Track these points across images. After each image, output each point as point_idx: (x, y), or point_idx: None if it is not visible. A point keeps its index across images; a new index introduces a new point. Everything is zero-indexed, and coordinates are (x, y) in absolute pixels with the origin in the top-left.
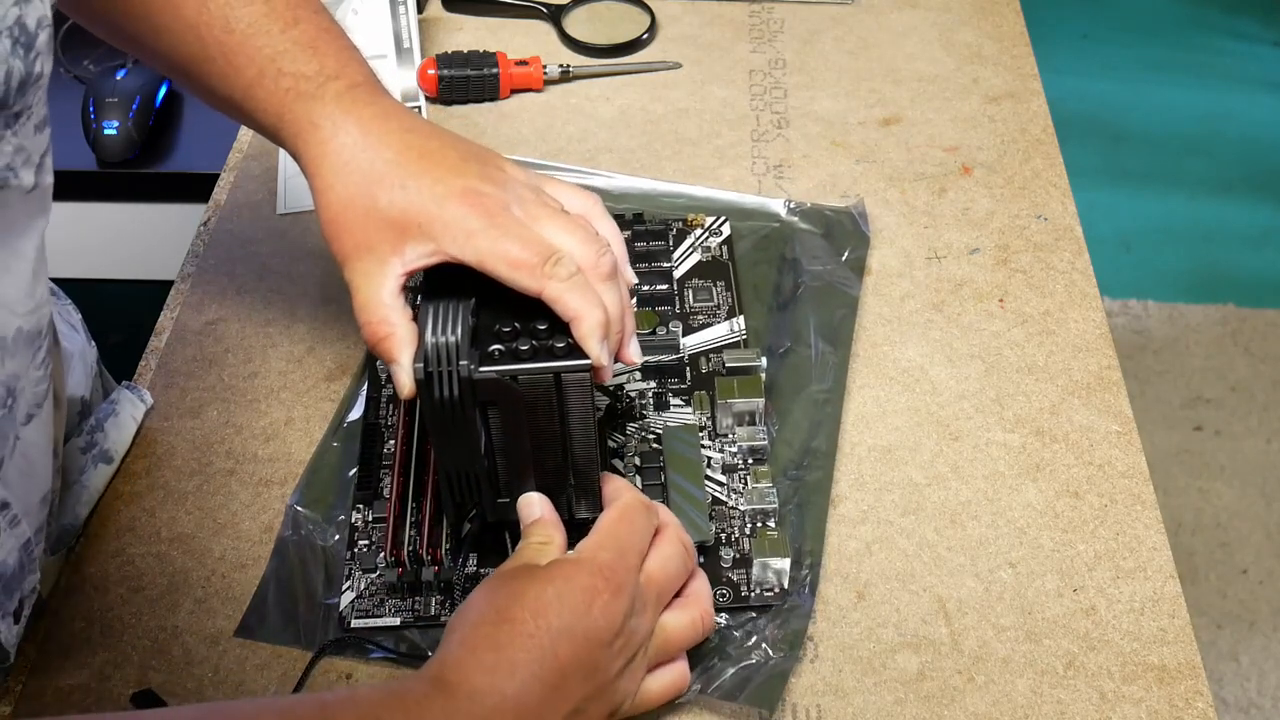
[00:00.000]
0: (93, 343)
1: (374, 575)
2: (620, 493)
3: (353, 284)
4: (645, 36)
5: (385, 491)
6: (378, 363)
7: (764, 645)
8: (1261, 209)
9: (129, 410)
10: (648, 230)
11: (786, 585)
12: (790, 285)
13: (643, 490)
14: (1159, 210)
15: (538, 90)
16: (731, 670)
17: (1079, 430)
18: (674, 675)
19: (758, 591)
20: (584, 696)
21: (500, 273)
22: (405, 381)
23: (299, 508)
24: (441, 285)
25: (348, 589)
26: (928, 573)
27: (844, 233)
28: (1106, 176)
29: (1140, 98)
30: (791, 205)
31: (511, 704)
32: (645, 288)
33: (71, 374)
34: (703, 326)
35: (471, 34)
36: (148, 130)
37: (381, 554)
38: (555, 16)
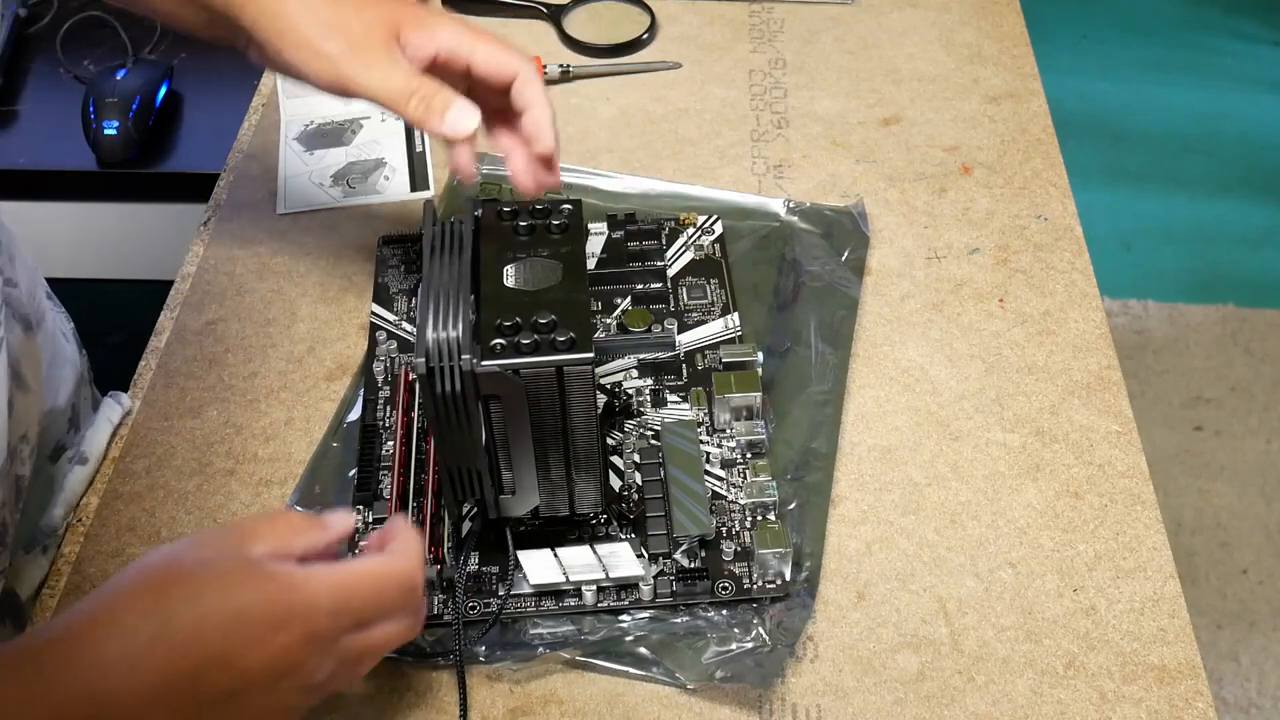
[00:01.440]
0: (83, 352)
1: None
2: (401, 546)
3: (367, 75)
4: (645, 36)
5: (385, 492)
6: (375, 364)
7: (762, 634)
8: (1261, 209)
9: (105, 413)
10: (640, 230)
11: (789, 576)
12: (790, 285)
13: (642, 485)
14: (1159, 210)
15: None
16: (730, 658)
17: (1079, 430)
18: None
19: (760, 584)
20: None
21: (493, 53)
22: (470, 119)
23: (298, 508)
24: (440, 282)
25: None
26: (928, 573)
27: (844, 233)
28: (1106, 176)
29: (1140, 98)
30: (791, 205)
31: (127, 698)
32: (639, 286)
33: (63, 384)
34: (698, 324)
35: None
36: (148, 130)
37: None
38: (555, 16)
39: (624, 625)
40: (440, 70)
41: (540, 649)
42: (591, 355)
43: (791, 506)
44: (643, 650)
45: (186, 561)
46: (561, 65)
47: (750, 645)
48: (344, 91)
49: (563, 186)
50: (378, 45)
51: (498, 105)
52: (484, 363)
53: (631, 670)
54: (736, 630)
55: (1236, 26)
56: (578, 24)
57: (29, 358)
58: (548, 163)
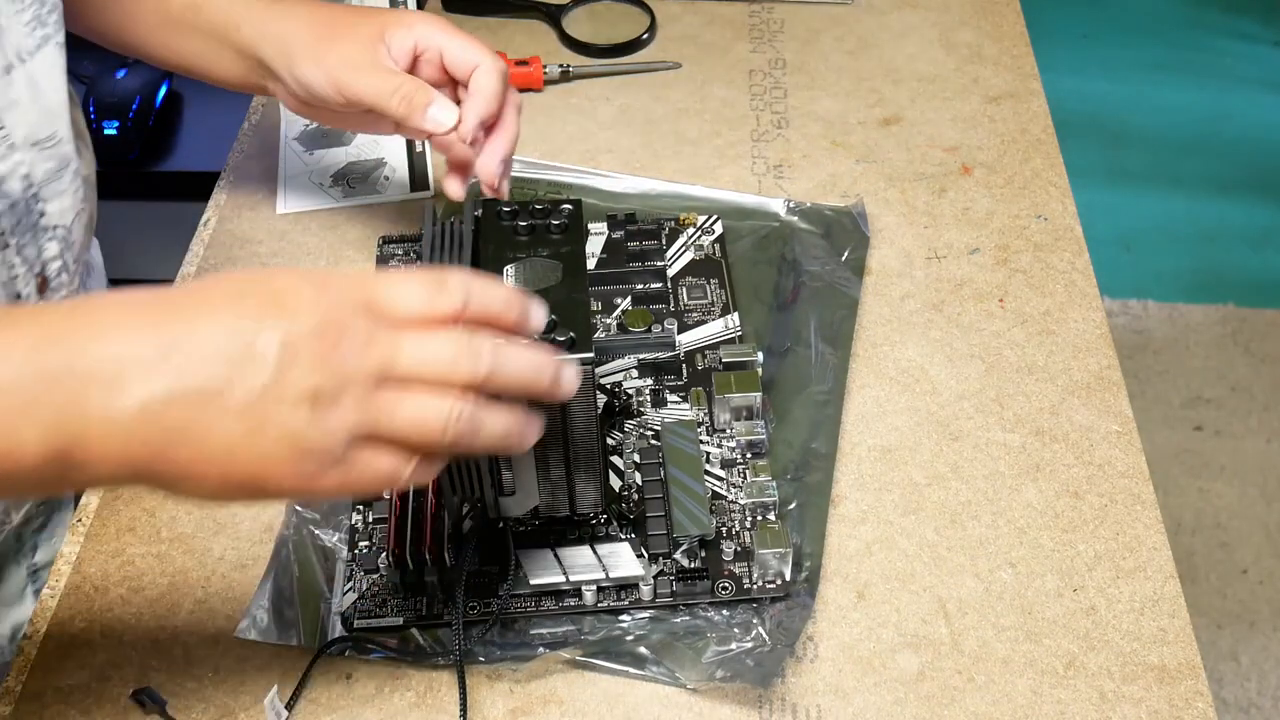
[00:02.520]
0: None
1: (376, 576)
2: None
3: (356, 80)
4: (645, 36)
5: (385, 493)
6: None
7: (762, 633)
8: (1261, 209)
9: None
10: (640, 230)
11: (789, 576)
12: (791, 285)
13: (642, 485)
14: (1159, 210)
15: (538, 90)
16: (730, 658)
17: (1079, 430)
18: (510, 418)
19: (760, 584)
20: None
21: (462, 46)
22: (447, 115)
23: (298, 507)
24: None
25: (350, 590)
26: (928, 573)
27: (844, 233)
28: (1106, 176)
29: (1140, 98)
30: (792, 205)
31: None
32: (639, 286)
33: None
34: (698, 324)
35: (471, 34)
36: (148, 130)
37: (383, 554)
38: (555, 16)
39: (624, 625)
40: (423, 67)
41: (540, 649)
42: (592, 355)
43: (791, 506)
44: (642, 650)
45: None
46: (561, 65)
47: (750, 645)
48: (341, 95)
49: (563, 186)
50: (365, 51)
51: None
52: None
53: (631, 670)
54: (736, 630)
55: (1236, 26)
56: (578, 24)
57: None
58: (464, 148)
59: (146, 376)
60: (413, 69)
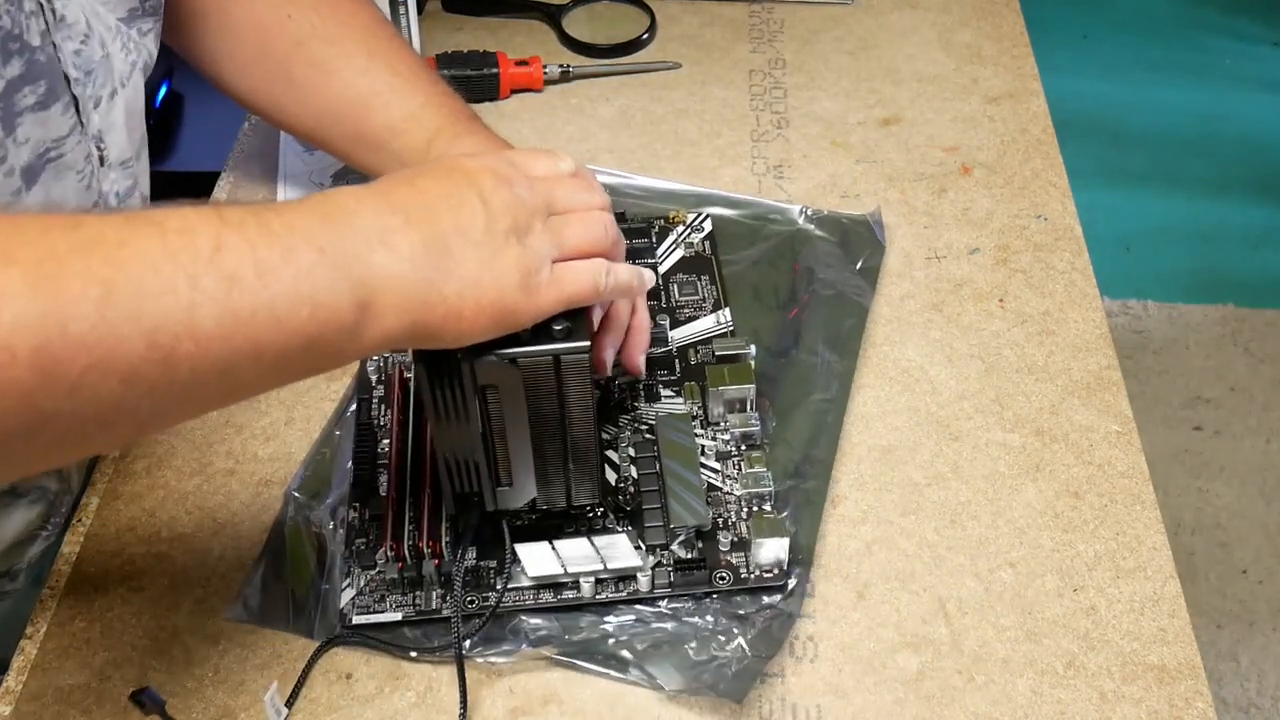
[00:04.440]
0: None
1: (374, 571)
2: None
3: None
4: (645, 36)
5: (381, 489)
6: (367, 365)
7: (743, 644)
8: (1261, 209)
9: None
10: (630, 228)
11: (785, 565)
12: (802, 289)
13: (638, 477)
14: (1159, 210)
15: (538, 90)
16: (708, 666)
17: (1079, 430)
18: (634, 270)
19: (757, 574)
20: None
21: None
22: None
23: (296, 493)
24: None
25: (348, 586)
26: (928, 573)
27: (859, 241)
28: (1106, 176)
29: (1140, 98)
30: (809, 213)
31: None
32: None
33: None
34: (689, 320)
35: (471, 34)
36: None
37: (381, 550)
38: (555, 16)
39: (608, 627)
40: None
41: (522, 644)
42: (588, 344)
43: (785, 514)
44: (624, 653)
45: None
46: (561, 65)
47: (729, 654)
48: None
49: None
50: None
51: None
52: (481, 353)
53: (611, 672)
54: (721, 638)
55: (1236, 26)
56: (578, 24)
57: None
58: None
59: (407, 233)
60: None
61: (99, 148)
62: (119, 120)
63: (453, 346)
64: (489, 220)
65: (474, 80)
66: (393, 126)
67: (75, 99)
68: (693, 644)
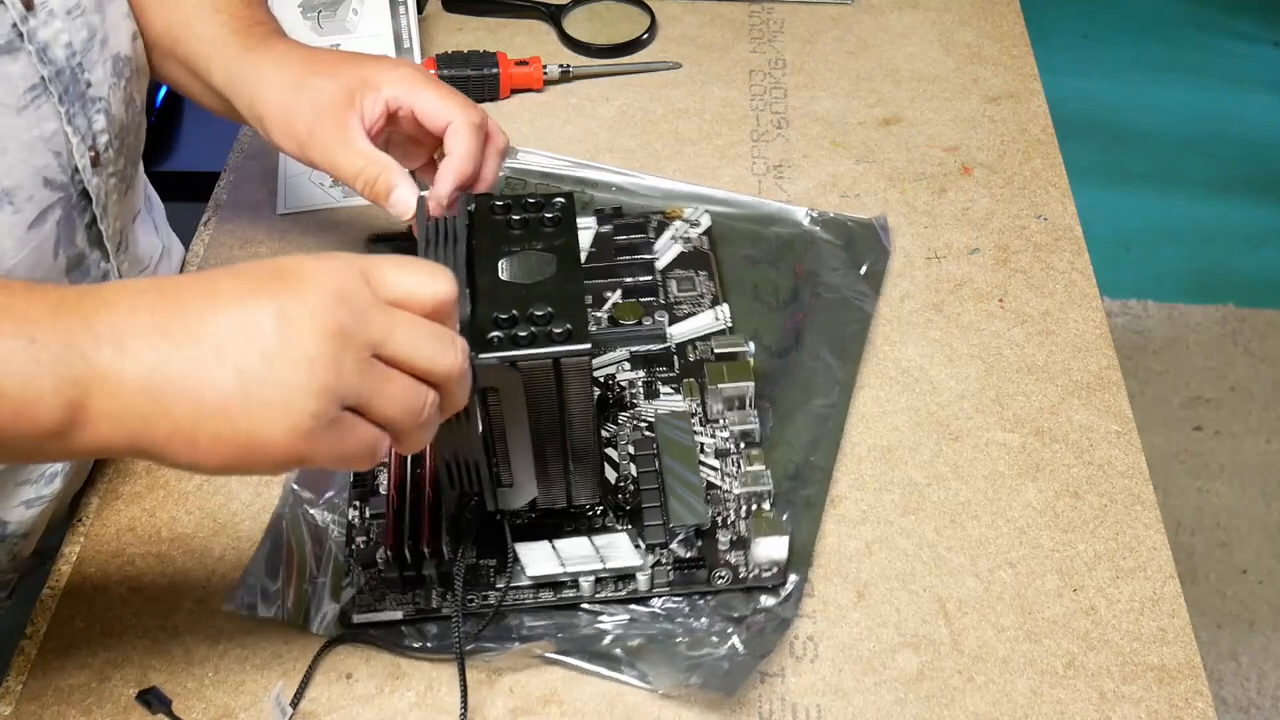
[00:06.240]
0: None
1: (374, 570)
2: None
3: (325, 157)
4: (645, 36)
5: (382, 488)
6: None
7: (736, 644)
8: (1261, 209)
9: None
10: (628, 223)
11: (784, 564)
12: (805, 292)
13: (638, 476)
14: (1159, 210)
15: (538, 90)
16: (701, 665)
17: (1079, 430)
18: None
19: (756, 573)
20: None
21: (432, 102)
22: (410, 200)
23: (295, 486)
24: None
25: (348, 585)
26: (928, 573)
27: (864, 245)
28: (1106, 176)
29: (1140, 98)
30: (815, 215)
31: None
32: (628, 280)
33: None
34: (687, 316)
35: (471, 34)
36: (148, 130)
37: (381, 549)
38: (555, 16)
39: (603, 625)
40: (401, 123)
41: (514, 641)
42: (589, 346)
43: (785, 517)
44: (617, 651)
45: None
46: (561, 65)
47: (723, 654)
48: (314, 168)
49: (601, 184)
50: (333, 125)
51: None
52: (481, 355)
53: (603, 670)
54: (714, 638)
55: (1236, 26)
56: (578, 24)
57: None
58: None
59: (151, 339)
60: (392, 123)
61: None
62: None
63: (188, 471)
64: (283, 343)
65: (474, 80)
66: (205, 54)
67: None
68: (685, 641)
